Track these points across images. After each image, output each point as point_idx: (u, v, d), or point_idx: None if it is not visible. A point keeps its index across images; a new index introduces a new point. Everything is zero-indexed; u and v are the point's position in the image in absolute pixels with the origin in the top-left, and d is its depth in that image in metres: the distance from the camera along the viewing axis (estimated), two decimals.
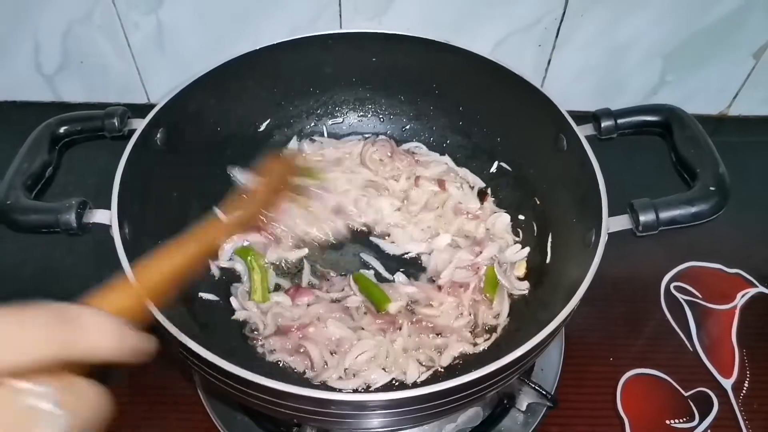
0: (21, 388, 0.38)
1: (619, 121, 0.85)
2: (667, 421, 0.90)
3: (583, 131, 0.84)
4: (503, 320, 0.89)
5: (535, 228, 0.97)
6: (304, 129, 1.10)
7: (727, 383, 0.94)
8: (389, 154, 1.06)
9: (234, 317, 0.89)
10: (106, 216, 0.76)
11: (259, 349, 0.86)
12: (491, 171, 1.05)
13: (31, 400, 0.38)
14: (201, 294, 0.90)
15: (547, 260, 0.91)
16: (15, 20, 1.19)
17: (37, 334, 0.39)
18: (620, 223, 0.75)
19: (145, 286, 0.60)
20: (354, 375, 0.82)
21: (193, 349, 0.64)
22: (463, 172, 1.06)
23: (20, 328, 0.39)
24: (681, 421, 0.90)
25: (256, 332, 0.87)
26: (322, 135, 1.11)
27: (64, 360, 0.40)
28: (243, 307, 0.89)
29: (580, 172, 0.82)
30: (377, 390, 0.82)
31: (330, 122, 1.11)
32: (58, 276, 1.08)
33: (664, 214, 0.74)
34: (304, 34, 0.99)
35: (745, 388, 0.93)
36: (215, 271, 0.94)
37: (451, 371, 0.84)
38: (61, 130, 0.85)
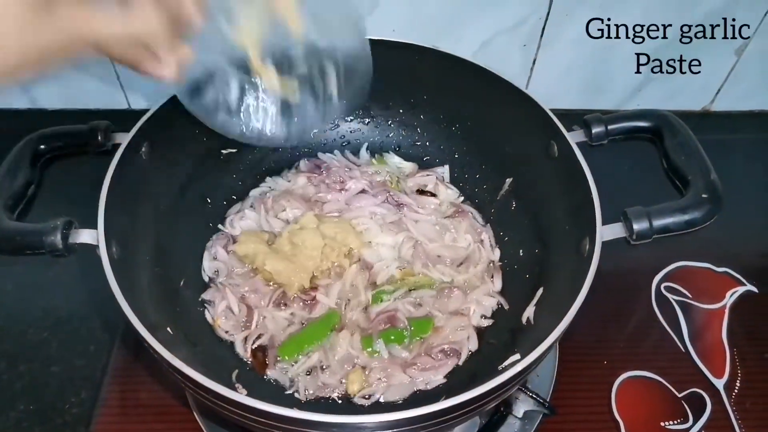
0: None
1: (610, 127, 0.85)
2: (662, 423, 0.90)
3: (574, 138, 0.84)
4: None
5: (528, 236, 0.97)
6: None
7: (719, 383, 0.95)
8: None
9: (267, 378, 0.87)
10: (92, 236, 0.74)
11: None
12: (480, 177, 1.05)
13: None
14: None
15: (542, 268, 0.91)
16: None
17: None
18: (614, 231, 0.75)
19: None
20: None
21: (191, 376, 0.63)
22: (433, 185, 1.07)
23: None
24: (675, 422, 0.91)
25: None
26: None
27: None
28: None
29: (571, 179, 0.82)
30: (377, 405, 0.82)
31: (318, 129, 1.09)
32: (40, 289, 1.05)
33: (658, 222, 0.74)
34: None
35: (736, 388, 0.94)
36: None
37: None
38: (43, 146, 0.83)
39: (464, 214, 1.03)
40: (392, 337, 0.87)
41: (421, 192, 1.05)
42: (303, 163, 1.08)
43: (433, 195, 1.05)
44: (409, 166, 1.09)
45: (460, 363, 0.87)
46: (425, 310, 0.92)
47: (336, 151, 1.10)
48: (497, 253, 0.99)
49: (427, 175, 1.07)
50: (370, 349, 0.87)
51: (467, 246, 0.99)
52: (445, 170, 1.08)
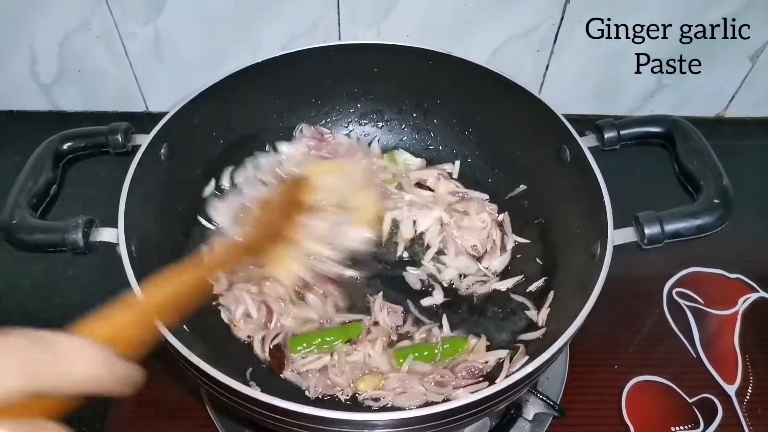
0: None
1: (622, 132, 0.85)
2: (672, 428, 0.90)
3: (586, 142, 0.85)
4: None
5: (540, 240, 0.98)
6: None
7: (731, 389, 0.95)
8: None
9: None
10: (113, 234, 0.76)
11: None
12: (492, 181, 1.06)
13: None
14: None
15: (553, 271, 0.91)
16: (11, 31, 1.18)
17: (4, 363, 0.37)
18: (625, 235, 0.76)
19: (151, 306, 0.57)
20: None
21: (208, 372, 0.64)
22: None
23: None
24: (686, 427, 0.91)
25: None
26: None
27: (37, 393, 0.38)
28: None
29: (583, 183, 0.82)
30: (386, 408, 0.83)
31: (331, 132, 1.11)
32: (58, 288, 1.07)
33: (669, 227, 0.74)
34: (303, 41, 0.99)
35: (748, 394, 0.94)
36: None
37: None
38: (65, 146, 0.85)
39: (469, 199, 1.03)
40: (425, 354, 0.87)
41: (420, 185, 1.06)
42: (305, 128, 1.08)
43: (430, 189, 1.06)
44: (417, 162, 1.10)
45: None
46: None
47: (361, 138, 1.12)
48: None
49: (429, 169, 1.08)
50: (401, 360, 0.86)
51: (484, 224, 1.00)
52: (453, 166, 1.08)
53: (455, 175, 1.08)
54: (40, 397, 0.39)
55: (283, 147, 1.06)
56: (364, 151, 1.08)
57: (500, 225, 1.01)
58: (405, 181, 1.06)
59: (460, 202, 1.03)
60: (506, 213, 1.02)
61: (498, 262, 0.97)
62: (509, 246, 0.99)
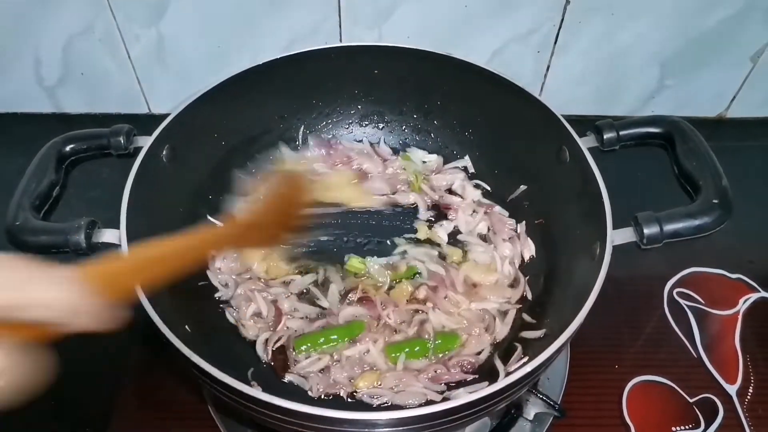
0: None
1: (621, 132, 0.86)
2: (673, 428, 0.90)
3: (585, 143, 0.85)
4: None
5: (540, 240, 0.98)
6: (307, 141, 1.11)
7: (732, 389, 0.95)
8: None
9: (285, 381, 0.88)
10: (115, 235, 0.77)
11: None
12: (493, 182, 1.07)
13: None
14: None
15: (554, 271, 0.91)
16: (16, 34, 1.19)
17: None
18: (624, 236, 0.76)
19: (134, 266, 0.61)
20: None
21: (210, 372, 0.64)
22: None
23: None
24: (687, 427, 0.91)
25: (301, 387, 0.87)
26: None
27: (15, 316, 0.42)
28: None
29: (583, 184, 0.83)
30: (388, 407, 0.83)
31: (332, 134, 1.12)
32: None
33: (668, 227, 0.75)
34: (305, 44, 1.00)
35: (749, 394, 0.94)
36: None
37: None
38: (68, 148, 0.86)
39: (492, 212, 1.03)
40: (417, 349, 0.87)
41: (450, 192, 1.07)
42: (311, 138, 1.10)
43: (460, 195, 1.06)
44: (433, 159, 1.10)
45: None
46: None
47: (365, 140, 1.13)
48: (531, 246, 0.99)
49: (452, 171, 1.08)
50: (393, 355, 0.87)
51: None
52: (467, 162, 1.09)
53: (471, 169, 1.08)
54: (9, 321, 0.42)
55: (286, 151, 1.08)
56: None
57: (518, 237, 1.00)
58: (432, 185, 1.07)
59: (485, 217, 1.03)
60: (524, 222, 1.00)
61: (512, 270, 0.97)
62: (527, 256, 0.98)
